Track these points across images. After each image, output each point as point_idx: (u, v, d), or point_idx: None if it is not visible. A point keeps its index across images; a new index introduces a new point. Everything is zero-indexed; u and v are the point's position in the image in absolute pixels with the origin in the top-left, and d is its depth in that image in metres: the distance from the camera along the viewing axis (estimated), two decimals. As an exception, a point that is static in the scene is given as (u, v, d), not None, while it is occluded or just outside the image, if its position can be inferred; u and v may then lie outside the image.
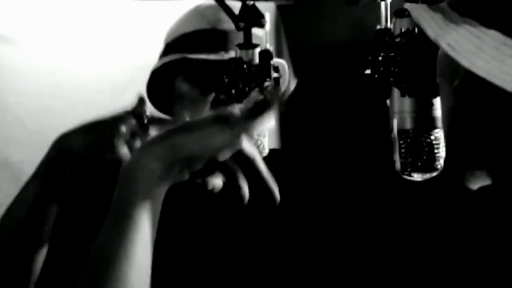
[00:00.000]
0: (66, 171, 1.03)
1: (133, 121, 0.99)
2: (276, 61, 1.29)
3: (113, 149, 0.99)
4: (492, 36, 0.64)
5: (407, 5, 0.73)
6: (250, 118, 0.78)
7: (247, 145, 0.79)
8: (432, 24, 0.68)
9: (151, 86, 1.31)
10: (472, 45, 0.65)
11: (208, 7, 1.30)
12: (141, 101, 1.03)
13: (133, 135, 0.99)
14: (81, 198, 1.19)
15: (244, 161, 0.80)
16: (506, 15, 0.65)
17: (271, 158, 1.02)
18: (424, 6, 0.71)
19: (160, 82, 1.30)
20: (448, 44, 0.66)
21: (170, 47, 1.30)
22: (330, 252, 1.27)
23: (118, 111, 1.03)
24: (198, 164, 0.79)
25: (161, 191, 0.78)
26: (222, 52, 1.22)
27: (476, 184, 0.72)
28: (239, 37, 1.12)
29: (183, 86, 1.26)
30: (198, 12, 1.31)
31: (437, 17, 0.68)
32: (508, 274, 0.67)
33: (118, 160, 0.98)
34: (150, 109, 1.08)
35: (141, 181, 0.77)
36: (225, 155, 0.78)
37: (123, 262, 0.74)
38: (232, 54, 1.18)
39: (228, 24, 1.21)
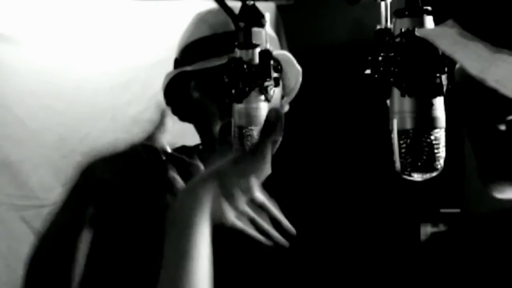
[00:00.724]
0: (94, 198, 1.10)
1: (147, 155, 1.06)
2: (280, 52, 1.30)
3: (127, 184, 1.05)
4: None
5: (427, 33, 0.71)
6: (267, 141, 0.88)
7: (258, 193, 0.90)
8: (470, 59, 0.65)
9: (168, 98, 1.33)
10: None
11: (208, 12, 1.31)
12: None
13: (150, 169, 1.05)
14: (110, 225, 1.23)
15: (258, 207, 0.91)
16: None
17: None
18: (448, 33, 0.69)
19: (175, 94, 1.32)
20: (497, 81, 0.63)
21: (178, 60, 1.32)
22: (329, 249, 1.27)
23: (136, 143, 1.08)
24: (242, 197, 0.88)
25: (208, 226, 0.85)
26: (225, 56, 1.24)
27: (505, 194, 0.72)
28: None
29: (195, 96, 1.28)
30: (199, 19, 1.32)
31: (470, 49, 0.66)
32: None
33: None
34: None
35: (195, 211, 0.84)
36: (261, 181, 0.89)
37: None
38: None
39: (225, 27, 1.23)
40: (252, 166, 0.87)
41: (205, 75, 1.25)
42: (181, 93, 1.31)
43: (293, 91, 1.36)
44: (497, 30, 0.65)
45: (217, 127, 1.24)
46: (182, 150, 1.29)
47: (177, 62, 1.32)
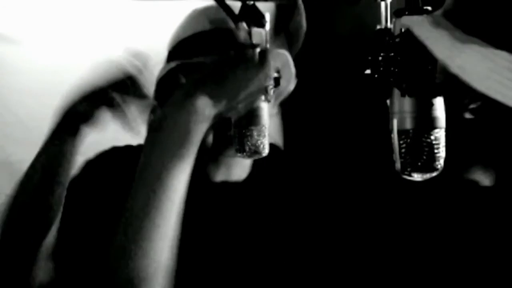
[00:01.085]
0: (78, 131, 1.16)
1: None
2: (279, 51, 1.29)
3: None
4: (503, 57, 0.62)
5: (406, 20, 0.72)
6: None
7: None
8: (439, 45, 0.66)
9: (159, 93, 1.32)
10: (483, 67, 0.63)
11: (206, 8, 1.31)
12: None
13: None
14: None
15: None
16: None
17: (272, 156, 1.02)
18: (425, 21, 0.69)
19: (167, 88, 1.31)
20: (459, 67, 0.63)
21: (170, 54, 1.31)
22: (330, 251, 1.27)
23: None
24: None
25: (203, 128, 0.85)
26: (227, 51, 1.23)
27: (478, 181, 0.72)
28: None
29: None
30: (194, 15, 1.32)
31: (442, 36, 0.66)
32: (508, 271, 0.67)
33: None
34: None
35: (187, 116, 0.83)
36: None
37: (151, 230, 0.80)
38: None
39: (223, 23, 1.23)
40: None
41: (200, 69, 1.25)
42: (172, 88, 1.31)
43: (283, 94, 1.35)
44: (471, 18, 0.65)
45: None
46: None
47: (172, 56, 1.31)
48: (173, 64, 1.27)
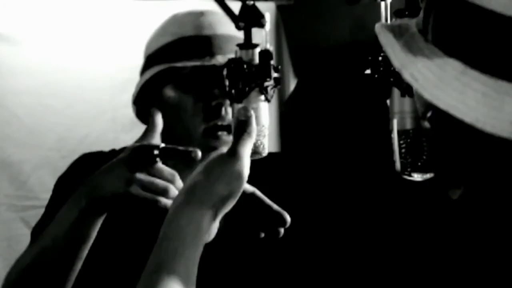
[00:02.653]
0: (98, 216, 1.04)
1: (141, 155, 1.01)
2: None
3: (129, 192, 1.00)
4: (452, 66, 0.62)
5: (376, 27, 0.71)
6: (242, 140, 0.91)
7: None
8: (397, 52, 0.66)
9: (138, 99, 1.30)
10: (433, 75, 0.62)
11: (187, 14, 1.31)
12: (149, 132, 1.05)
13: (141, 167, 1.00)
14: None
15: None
16: (466, 42, 0.62)
17: (270, 162, 1.02)
18: (391, 28, 0.68)
19: (148, 95, 1.28)
20: (411, 75, 0.63)
21: (152, 58, 1.30)
22: (331, 255, 1.27)
23: (128, 147, 1.03)
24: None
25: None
26: (208, 57, 1.23)
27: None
28: (222, 41, 1.22)
29: (173, 96, 1.25)
30: (176, 20, 1.31)
31: (402, 43, 0.66)
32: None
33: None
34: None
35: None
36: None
37: None
38: (218, 59, 1.21)
39: (209, 30, 1.25)
40: (230, 168, 0.85)
41: (187, 75, 1.24)
42: (153, 96, 1.27)
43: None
44: (437, 29, 0.65)
45: (199, 129, 1.22)
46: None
47: (152, 60, 1.29)
48: (157, 69, 1.26)
